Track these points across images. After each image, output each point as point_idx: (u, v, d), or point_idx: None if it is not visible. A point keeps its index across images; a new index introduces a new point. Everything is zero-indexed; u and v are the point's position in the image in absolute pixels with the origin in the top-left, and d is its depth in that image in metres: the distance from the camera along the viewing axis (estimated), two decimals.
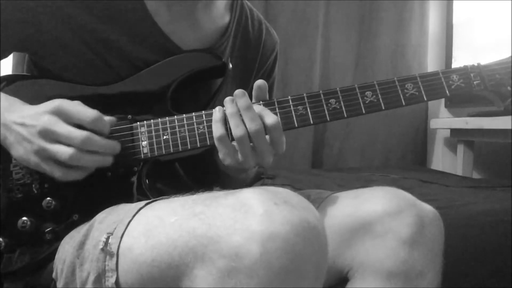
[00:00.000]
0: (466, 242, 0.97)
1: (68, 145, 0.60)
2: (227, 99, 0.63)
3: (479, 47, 1.92)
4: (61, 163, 0.61)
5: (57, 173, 0.61)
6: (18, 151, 0.62)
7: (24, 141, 0.61)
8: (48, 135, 0.60)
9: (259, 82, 0.66)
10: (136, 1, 0.73)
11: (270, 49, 0.91)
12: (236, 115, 0.62)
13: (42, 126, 0.60)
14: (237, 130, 0.61)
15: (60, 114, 0.61)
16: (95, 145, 0.62)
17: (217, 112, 0.63)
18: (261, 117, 0.62)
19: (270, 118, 0.62)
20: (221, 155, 0.63)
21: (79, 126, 0.62)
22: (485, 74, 0.68)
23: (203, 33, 0.79)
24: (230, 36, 0.83)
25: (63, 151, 0.60)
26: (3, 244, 0.65)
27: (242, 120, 0.61)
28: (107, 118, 0.65)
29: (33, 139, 0.60)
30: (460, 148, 1.97)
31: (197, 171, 0.80)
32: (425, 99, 0.68)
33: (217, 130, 0.62)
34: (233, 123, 0.62)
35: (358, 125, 2.06)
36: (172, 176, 0.78)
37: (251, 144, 0.62)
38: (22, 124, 0.61)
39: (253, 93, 0.67)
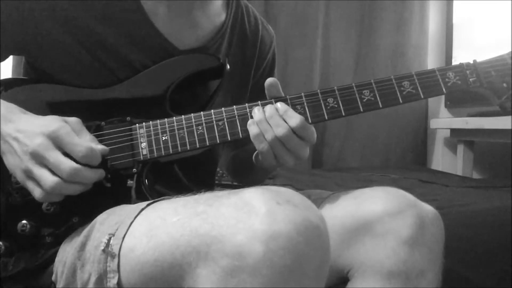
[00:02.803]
0: (466, 242, 0.97)
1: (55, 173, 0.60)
2: (255, 108, 0.67)
3: (479, 47, 1.92)
4: None
5: (37, 194, 0.61)
6: (9, 162, 0.62)
7: (15, 155, 0.61)
8: (39, 158, 0.60)
9: (270, 80, 0.69)
10: (133, 1, 0.73)
11: (268, 44, 0.92)
12: (264, 121, 0.66)
13: (33, 149, 0.60)
14: (267, 135, 0.65)
15: (55, 140, 0.61)
16: (81, 178, 0.61)
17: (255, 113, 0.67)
18: (285, 120, 0.65)
19: (293, 120, 0.65)
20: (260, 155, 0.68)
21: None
22: (481, 71, 0.69)
23: (200, 32, 0.79)
24: (226, 33, 0.83)
25: (47, 179, 0.59)
26: (3, 247, 0.65)
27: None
28: (99, 147, 0.64)
29: (23, 157, 0.60)
30: (460, 148, 1.97)
31: (196, 173, 0.80)
32: (422, 96, 0.68)
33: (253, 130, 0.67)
34: (262, 128, 0.65)
35: (358, 125, 2.06)
36: (171, 178, 0.78)
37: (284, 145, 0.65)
38: (16, 139, 0.61)
39: (266, 91, 0.69)
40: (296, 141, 0.65)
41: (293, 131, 0.65)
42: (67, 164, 0.60)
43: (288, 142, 0.65)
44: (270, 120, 0.65)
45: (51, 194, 0.61)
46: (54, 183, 0.59)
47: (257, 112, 0.66)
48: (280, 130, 0.64)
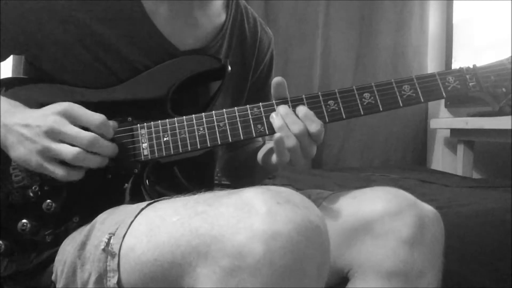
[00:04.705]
0: (466, 242, 0.97)
1: (73, 145, 0.61)
2: (280, 106, 0.67)
3: (479, 47, 1.92)
4: (63, 163, 0.62)
5: (60, 172, 0.62)
6: (19, 151, 0.62)
7: (26, 141, 0.61)
8: (55, 135, 0.61)
9: (278, 79, 0.69)
10: (134, 1, 0.74)
11: (266, 46, 0.92)
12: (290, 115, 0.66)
13: (49, 126, 0.61)
14: (293, 128, 0.65)
15: (68, 116, 0.62)
16: (100, 147, 0.63)
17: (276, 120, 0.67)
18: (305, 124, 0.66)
19: (314, 126, 0.65)
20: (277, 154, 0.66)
21: (85, 129, 0.63)
22: (481, 76, 0.70)
23: (200, 32, 0.79)
24: (226, 34, 0.83)
25: (69, 150, 0.60)
26: (3, 247, 0.65)
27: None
28: (110, 122, 0.66)
29: (37, 139, 0.61)
30: (460, 148, 1.97)
31: (195, 173, 0.81)
32: (422, 100, 0.69)
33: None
34: (289, 121, 0.66)
35: (358, 125, 2.06)
36: (170, 178, 0.78)
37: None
38: (26, 125, 0.61)
39: (273, 91, 0.69)
40: (309, 143, 0.66)
41: (310, 135, 0.65)
42: (86, 133, 0.62)
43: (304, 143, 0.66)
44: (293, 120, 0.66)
45: (72, 170, 0.62)
46: (77, 153, 0.60)
47: (281, 108, 0.67)
48: (297, 127, 0.65)
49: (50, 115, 0.61)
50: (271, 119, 0.67)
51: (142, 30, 0.74)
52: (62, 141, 0.61)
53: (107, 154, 0.65)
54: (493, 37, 1.84)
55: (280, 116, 0.66)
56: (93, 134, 0.62)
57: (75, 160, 0.61)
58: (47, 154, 0.61)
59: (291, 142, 0.65)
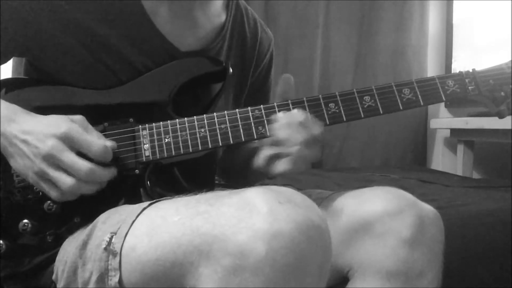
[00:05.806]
0: (466, 242, 0.97)
1: (70, 173, 0.60)
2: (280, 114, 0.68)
3: (479, 47, 1.92)
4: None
5: (54, 194, 0.61)
6: (18, 164, 0.62)
7: (26, 158, 0.60)
8: (53, 161, 0.59)
9: (286, 76, 0.70)
10: (134, 2, 0.74)
11: (266, 47, 0.92)
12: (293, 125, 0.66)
13: (47, 152, 0.59)
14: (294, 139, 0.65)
15: (67, 141, 0.60)
16: (97, 178, 0.61)
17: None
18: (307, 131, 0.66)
19: (315, 129, 0.66)
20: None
21: (83, 154, 0.61)
22: (480, 79, 0.71)
23: (200, 32, 0.79)
24: (227, 35, 0.83)
25: (64, 180, 0.59)
26: (3, 247, 0.65)
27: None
28: (109, 143, 0.64)
29: (35, 160, 0.60)
30: (460, 148, 1.98)
31: (196, 174, 0.81)
32: (422, 103, 0.70)
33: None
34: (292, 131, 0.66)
35: (358, 125, 2.06)
36: (172, 180, 0.78)
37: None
38: (25, 141, 0.60)
39: (279, 88, 0.70)
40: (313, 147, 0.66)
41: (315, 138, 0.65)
42: (84, 164, 0.60)
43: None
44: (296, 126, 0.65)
45: (67, 194, 0.61)
46: (72, 184, 0.59)
47: (282, 115, 0.67)
48: (300, 136, 0.64)
49: (50, 137, 0.60)
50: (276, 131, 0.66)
51: (142, 30, 0.74)
52: (59, 167, 0.60)
53: (104, 181, 0.64)
54: (493, 37, 1.84)
55: (282, 129, 0.66)
56: (90, 165, 0.60)
57: (70, 191, 0.60)
58: (43, 176, 0.60)
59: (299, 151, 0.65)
